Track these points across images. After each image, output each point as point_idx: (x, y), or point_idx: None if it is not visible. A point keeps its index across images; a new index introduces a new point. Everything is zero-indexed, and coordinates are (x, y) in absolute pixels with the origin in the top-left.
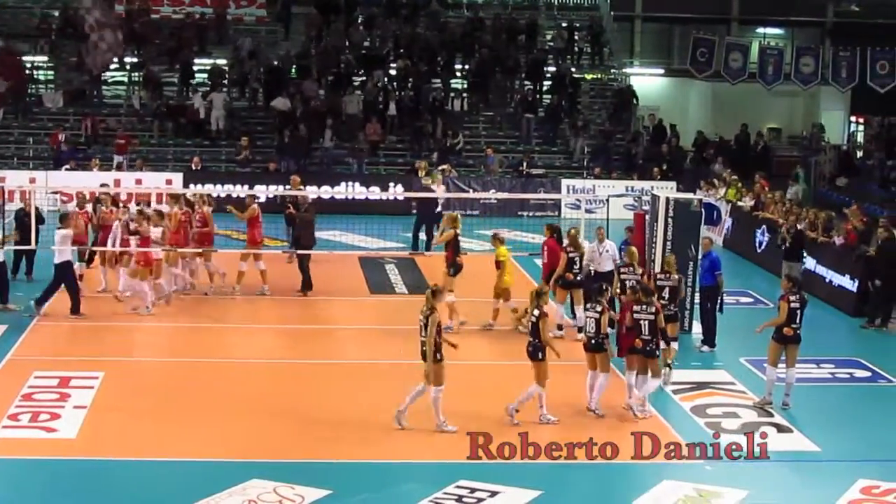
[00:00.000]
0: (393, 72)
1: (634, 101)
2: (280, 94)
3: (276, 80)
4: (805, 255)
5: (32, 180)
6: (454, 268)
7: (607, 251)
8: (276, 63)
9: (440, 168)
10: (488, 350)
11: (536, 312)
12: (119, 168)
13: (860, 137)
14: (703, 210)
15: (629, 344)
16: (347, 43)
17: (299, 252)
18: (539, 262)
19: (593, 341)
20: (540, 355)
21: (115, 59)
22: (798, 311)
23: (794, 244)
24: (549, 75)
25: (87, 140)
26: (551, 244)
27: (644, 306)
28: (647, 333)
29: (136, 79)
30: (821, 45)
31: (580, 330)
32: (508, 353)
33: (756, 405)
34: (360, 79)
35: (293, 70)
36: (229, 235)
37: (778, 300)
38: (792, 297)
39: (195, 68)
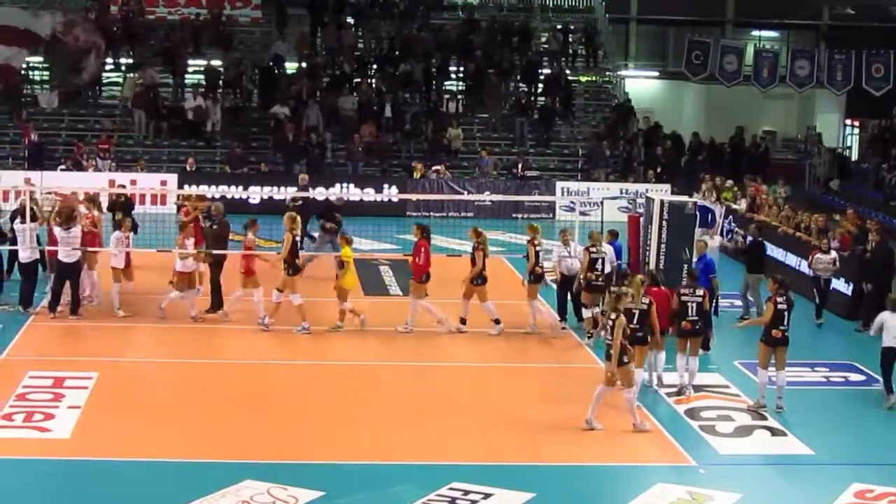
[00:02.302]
0: (388, 74)
1: (633, 117)
2: (276, 99)
3: (271, 82)
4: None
5: (28, 180)
6: (292, 269)
7: (605, 254)
8: (269, 64)
9: (434, 169)
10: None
11: (613, 316)
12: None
13: (854, 140)
14: (697, 213)
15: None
16: (341, 45)
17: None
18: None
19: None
20: (625, 358)
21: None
22: (786, 313)
23: (753, 255)
24: (543, 77)
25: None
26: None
27: (691, 290)
28: (693, 315)
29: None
30: (816, 48)
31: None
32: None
33: (750, 409)
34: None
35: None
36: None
37: (765, 301)
38: (779, 299)
39: (190, 69)
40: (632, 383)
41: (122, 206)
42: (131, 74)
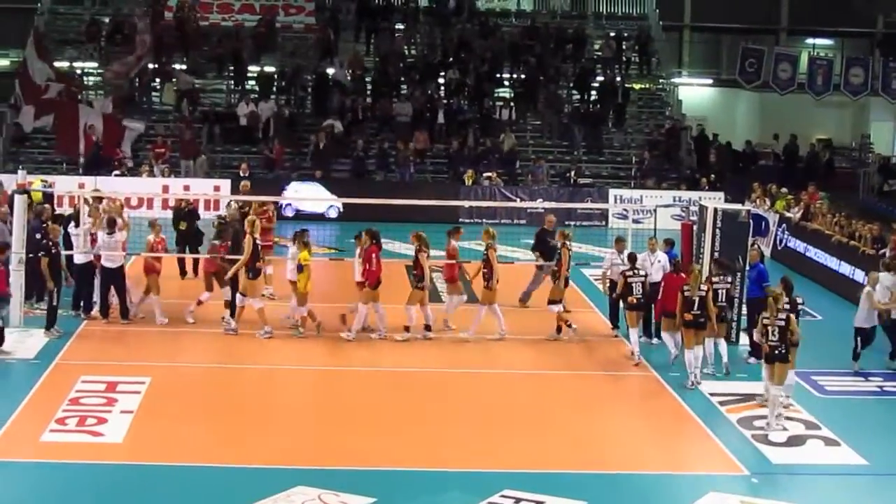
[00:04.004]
0: (442, 80)
1: (688, 138)
2: (330, 111)
3: (325, 89)
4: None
5: (82, 185)
6: (252, 272)
7: (658, 261)
8: (325, 71)
9: (485, 175)
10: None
11: (783, 317)
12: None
13: None
14: (750, 221)
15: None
16: (393, 52)
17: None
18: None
19: (776, 351)
20: (790, 357)
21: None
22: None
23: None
24: (596, 84)
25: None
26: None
27: (720, 277)
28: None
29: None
30: (870, 55)
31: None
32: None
33: (761, 403)
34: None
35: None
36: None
37: None
38: (715, 279)
39: (242, 75)
40: (783, 382)
41: (188, 215)
42: (171, 80)
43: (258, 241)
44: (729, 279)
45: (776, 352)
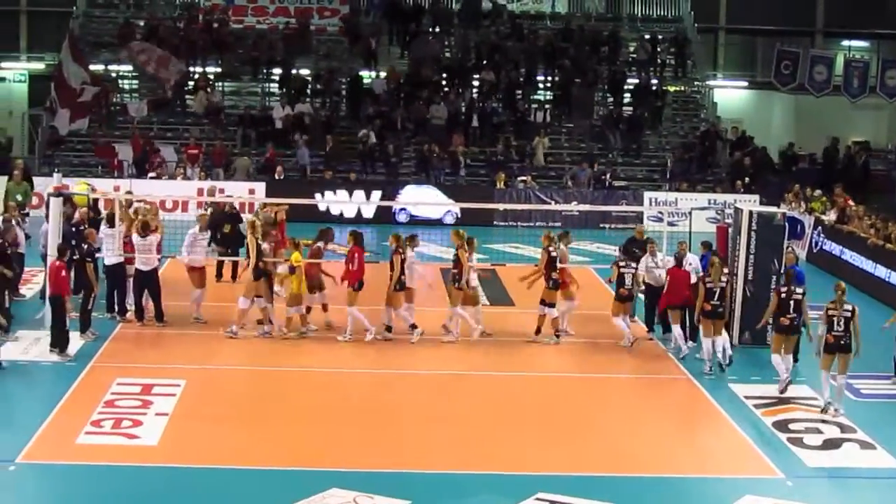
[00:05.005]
0: (476, 83)
1: (721, 142)
2: (363, 120)
3: (359, 92)
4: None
5: (117, 188)
6: (254, 273)
7: (690, 265)
8: (359, 74)
9: (520, 179)
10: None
11: (849, 307)
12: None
13: None
14: (786, 224)
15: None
16: (430, 55)
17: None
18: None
19: (842, 342)
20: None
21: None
22: (790, 302)
23: None
24: (631, 87)
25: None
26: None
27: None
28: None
29: (221, 88)
30: None
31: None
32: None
33: (781, 391)
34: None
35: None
36: (334, 250)
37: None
38: (783, 289)
39: (276, 78)
40: (847, 371)
41: (231, 217)
42: (205, 90)
43: (261, 243)
44: (801, 290)
45: (841, 342)
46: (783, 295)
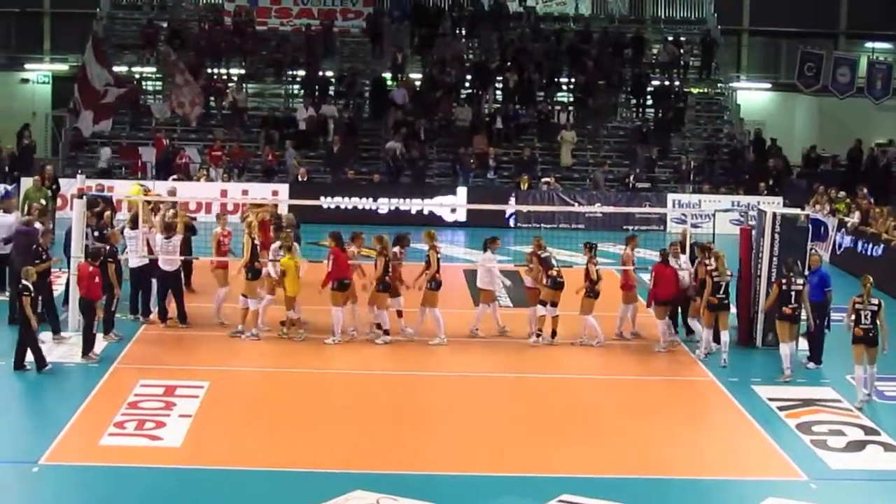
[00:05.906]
0: (500, 84)
1: (750, 153)
2: (388, 131)
3: (382, 94)
4: None
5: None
6: (251, 273)
7: (683, 265)
8: (382, 76)
9: (544, 180)
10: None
11: (875, 301)
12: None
13: None
14: (809, 226)
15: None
16: (452, 56)
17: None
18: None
19: (870, 334)
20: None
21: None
22: (791, 293)
23: None
24: (654, 89)
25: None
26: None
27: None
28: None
29: (245, 90)
30: None
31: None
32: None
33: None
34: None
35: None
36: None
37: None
38: (784, 280)
39: (301, 79)
40: (875, 361)
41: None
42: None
43: (257, 242)
44: (801, 281)
45: (869, 334)
46: (784, 286)
